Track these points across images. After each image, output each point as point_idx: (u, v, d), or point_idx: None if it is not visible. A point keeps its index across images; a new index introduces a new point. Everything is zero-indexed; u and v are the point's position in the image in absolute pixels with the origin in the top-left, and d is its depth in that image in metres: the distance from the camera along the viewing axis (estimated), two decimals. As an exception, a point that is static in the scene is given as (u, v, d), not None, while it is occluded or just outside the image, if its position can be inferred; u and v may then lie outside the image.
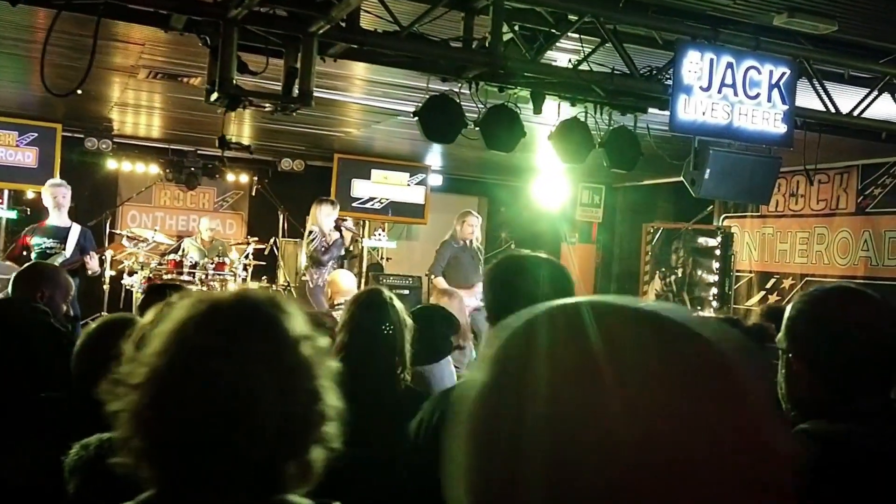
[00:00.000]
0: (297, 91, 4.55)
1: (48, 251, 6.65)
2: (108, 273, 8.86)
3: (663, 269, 9.51)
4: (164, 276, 8.81)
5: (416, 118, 5.22)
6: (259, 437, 1.04)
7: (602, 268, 11.94)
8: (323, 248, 7.21)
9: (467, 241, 7.65)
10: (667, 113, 5.37)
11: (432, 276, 7.57)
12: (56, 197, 6.74)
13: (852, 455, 1.44)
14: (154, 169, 9.96)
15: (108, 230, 9.09)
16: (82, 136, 9.12)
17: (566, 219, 11.10)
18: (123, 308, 8.93)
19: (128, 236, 9.03)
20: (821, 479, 1.30)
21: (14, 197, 9.11)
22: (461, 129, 5.32)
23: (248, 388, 1.04)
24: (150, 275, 8.79)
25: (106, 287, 8.93)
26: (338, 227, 7.41)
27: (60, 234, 6.75)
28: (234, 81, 4.49)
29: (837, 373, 1.54)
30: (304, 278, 7.41)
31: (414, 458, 1.79)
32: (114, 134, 9.33)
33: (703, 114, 5.33)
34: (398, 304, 2.72)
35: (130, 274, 8.86)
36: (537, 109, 5.54)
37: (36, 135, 8.69)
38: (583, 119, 5.81)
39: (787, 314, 1.63)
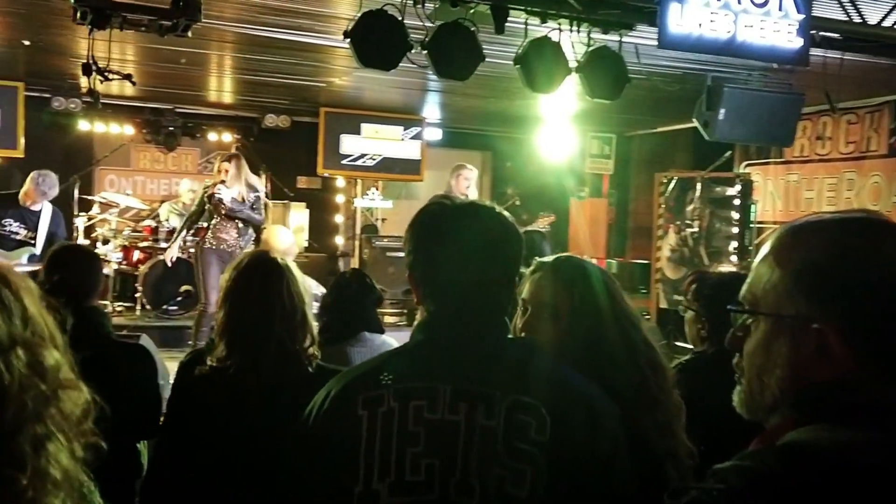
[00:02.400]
0: (182, 2, 3.86)
1: (13, 235, 6.20)
2: (82, 241, 8.29)
3: (678, 222, 8.81)
4: (140, 244, 8.25)
5: (348, 39, 4.46)
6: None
7: (615, 223, 11.27)
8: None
9: (464, 197, 7.02)
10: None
11: None
12: (46, 193, 6.30)
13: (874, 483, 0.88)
14: (129, 129, 9.31)
15: (76, 196, 8.47)
16: (49, 95, 8.47)
17: (574, 172, 10.41)
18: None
19: (99, 202, 8.44)
20: None
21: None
22: (405, 53, 4.57)
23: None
24: (126, 243, 8.22)
25: (80, 257, 8.37)
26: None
27: (31, 219, 6.29)
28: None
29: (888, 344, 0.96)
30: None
31: (297, 453, 1.49)
32: (82, 92, 8.66)
33: (700, 25, 4.59)
34: (294, 269, 2.33)
35: (105, 242, 8.30)
36: (499, 28, 4.69)
37: (-5, 94, 8.06)
38: (556, 40, 4.91)
39: (784, 255, 1.02)
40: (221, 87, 8.67)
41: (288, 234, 4.80)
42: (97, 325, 2.64)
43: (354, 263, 10.14)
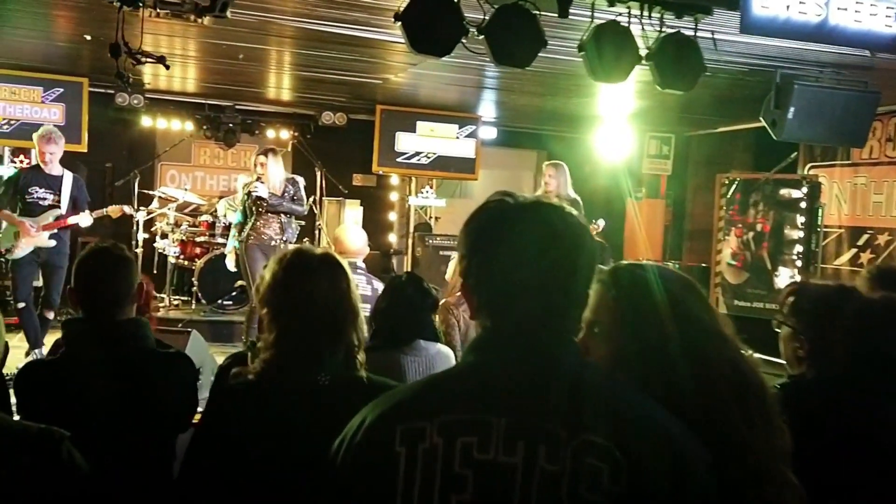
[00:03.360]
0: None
1: (40, 202, 6.42)
2: (141, 236, 8.45)
3: (740, 225, 8.57)
4: (198, 239, 8.36)
5: (399, 22, 4.19)
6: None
7: (672, 225, 11.03)
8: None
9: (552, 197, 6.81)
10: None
11: None
12: (46, 153, 6.45)
13: None
14: (190, 126, 9.46)
15: (136, 190, 8.63)
16: (112, 91, 8.64)
17: (632, 172, 10.22)
18: (158, 273, 8.54)
19: (159, 197, 8.59)
20: None
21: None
22: (460, 38, 4.27)
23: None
24: (184, 238, 8.34)
25: (139, 251, 8.52)
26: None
27: (55, 184, 6.50)
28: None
29: None
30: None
31: (324, 494, 1.28)
32: (145, 88, 8.83)
33: (788, 8, 4.22)
34: (345, 265, 2.08)
35: (163, 237, 8.43)
36: (563, 12, 4.29)
37: (62, 90, 8.27)
38: (625, 24, 4.50)
39: None
40: (280, 84, 8.74)
41: (361, 233, 4.60)
42: (133, 338, 2.44)
43: (407, 261, 10.14)
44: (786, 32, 4.38)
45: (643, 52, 4.62)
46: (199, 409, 2.43)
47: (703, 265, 9.47)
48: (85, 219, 6.53)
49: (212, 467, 1.96)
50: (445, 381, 1.30)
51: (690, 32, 4.65)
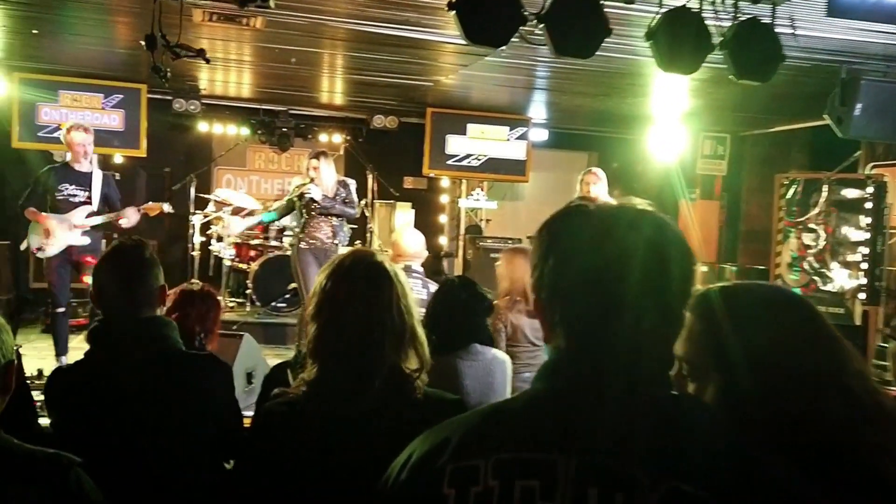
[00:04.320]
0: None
1: (71, 199, 6.25)
2: (198, 239, 8.61)
3: (800, 226, 8.35)
4: (252, 242, 8.48)
5: (453, 11, 3.88)
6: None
7: (727, 226, 10.82)
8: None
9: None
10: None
11: None
12: (85, 144, 6.25)
13: None
14: (245, 130, 9.62)
15: (192, 194, 8.80)
16: (170, 97, 8.83)
17: (685, 173, 10.05)
18: (213, 276, 8.69)
19: (215, 200, 8.74)
20: None
21: (101, 161, 8.96)
22: (518, 27, 3.98)
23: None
24: (238, 240, 8.46)
25: (196, 254, 8.69)
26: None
27: (85, 181, 6.31)
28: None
29: None
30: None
31: None
32: (202, 94, 9.01)
33: None
34: (402, 275, 1.90)
35: (219, 240, 8.57)
36: None
37: (122, 97, 8.47)
38: (696, 10, 4.26)
39: None
40: (332, 89, 8.83)
41: (418, 236, 4.49)
42: (155, 338, 2.34)
43: (458, 264, 10.13)
44: (875, 15, 4.12)
45: (716, 41, 4.32)
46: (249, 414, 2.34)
47: (761, 267, 9.26)
48: (132, 216, 6.32)
49: (254, 493, 1.84)
50: (506, 412, 1.10)
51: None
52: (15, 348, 1.71)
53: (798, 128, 9.06)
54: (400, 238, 4.39)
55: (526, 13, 3.99)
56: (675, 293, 1.06)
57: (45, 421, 2.45)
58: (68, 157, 6.42)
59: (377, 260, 1.89)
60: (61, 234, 6.17)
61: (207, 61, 4.69)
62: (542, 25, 4.04)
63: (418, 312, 1.92)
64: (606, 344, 1.03)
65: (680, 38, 4.15)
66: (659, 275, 1.04)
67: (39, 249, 6.21)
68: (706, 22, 4.26)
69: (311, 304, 1.88)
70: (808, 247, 8.14)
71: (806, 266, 8.23)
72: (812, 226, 8.13)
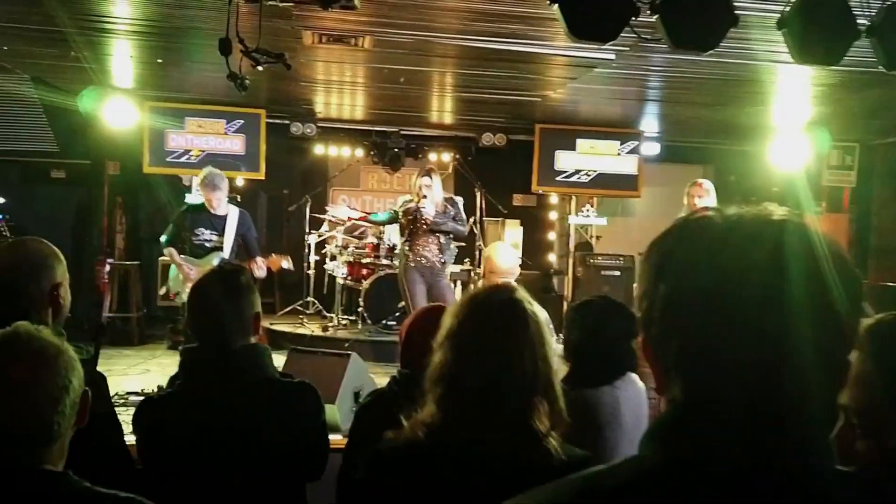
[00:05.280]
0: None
1: (206, 244, 6.32)
2: (313, 258, 8.85)
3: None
4: (364, 260, 8.63)
5: (555, 5, 3.55)
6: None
7: (856, 241, 10.19)
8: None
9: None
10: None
11: None
12: (212, 199, 6.29)
13: None
14: (359, 152, 9.86)
15: (308, 215, 9.07)
16: (287, 121, 9.17)
17: (811, 185, 9.54)
18: (328, 294, 8.89)
19: (329, 220, 8.96)
20: None
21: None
22: (628, 19, 3.59)
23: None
24: (351, 259, 8.63)
25: (311, 272, 8.92)
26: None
27: (219, 225, 6.37)
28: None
29: None
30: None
31: None
32: (318, 118, 9.31)
33: None
34: (541, 315, 1.70)
35: (332, 259, 8.78)
36: None
37: (242, 122, 8.84)
38: None
39: None
40: (441, 108, 8.93)
41: (512, 253, 4.33)
42: (247, 367, 2.31)
43: (568, 282, 9.98)
44: None
45: (863, 27, 3.84)
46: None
47: (894, 285, 8.66)
48: (262, 268, 6.28)
49: None
50: (604, 490, 0.83)
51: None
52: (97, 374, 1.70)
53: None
54: (493, 254, 4.23)
55: (637, 3, 3.61)
56: (838, 330, 0.80)
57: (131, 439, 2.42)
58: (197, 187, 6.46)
59: (515, 297, 1.70)
60: (191, 280, 6.24)
61: (289, 67, 4.56)
62: (656, 16, 3.63)
63: (557, 363, 1.72)
64: (740, 398, 0.77)
65: (819, 25, 3.69)
66: (814, 304, 0.78)
67: (177, 295, 6.42)
68: (849, 3, 3.79)
69: (441, 334, 1.71)
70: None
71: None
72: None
